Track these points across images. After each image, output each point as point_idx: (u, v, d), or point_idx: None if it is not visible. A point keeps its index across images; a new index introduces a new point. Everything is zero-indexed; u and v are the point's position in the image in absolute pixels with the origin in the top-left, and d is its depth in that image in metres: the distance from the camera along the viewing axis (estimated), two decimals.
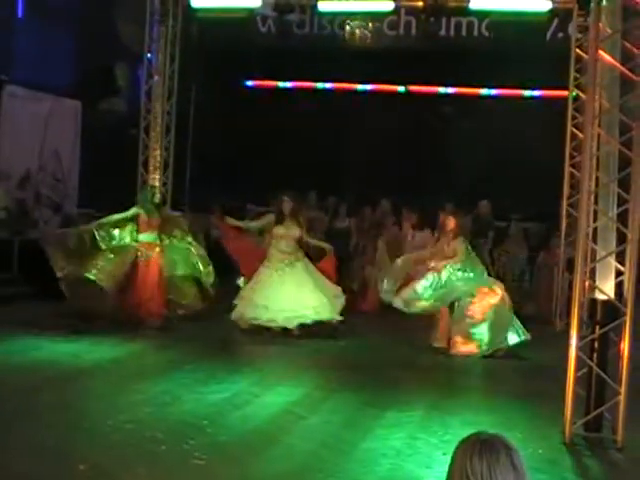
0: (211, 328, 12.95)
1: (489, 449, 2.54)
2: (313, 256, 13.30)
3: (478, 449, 2.55)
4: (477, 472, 2.51)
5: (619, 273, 7.76)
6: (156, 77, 14.95)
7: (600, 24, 7.85)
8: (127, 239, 13.09)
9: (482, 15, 17.71)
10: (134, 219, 13.16)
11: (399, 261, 12.72)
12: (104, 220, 13.16)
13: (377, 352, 12.00)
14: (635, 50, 7.77)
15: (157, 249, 12.98)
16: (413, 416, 8.39)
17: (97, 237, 12.85)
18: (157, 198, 13.51)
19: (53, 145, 17.51)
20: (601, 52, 7.85)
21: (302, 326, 12.50)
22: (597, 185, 8.05)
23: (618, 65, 7.86)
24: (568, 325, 8.10)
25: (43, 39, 17.41)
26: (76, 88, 18.40)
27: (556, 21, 17.25)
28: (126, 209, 15.28)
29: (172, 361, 10.49)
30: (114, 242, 12.94)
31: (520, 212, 17.38)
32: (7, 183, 16.42)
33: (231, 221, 13.61)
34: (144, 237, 12.99)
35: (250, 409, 8.39)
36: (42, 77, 17.03)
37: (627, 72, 7.80)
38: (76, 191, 18.22)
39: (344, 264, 14.94)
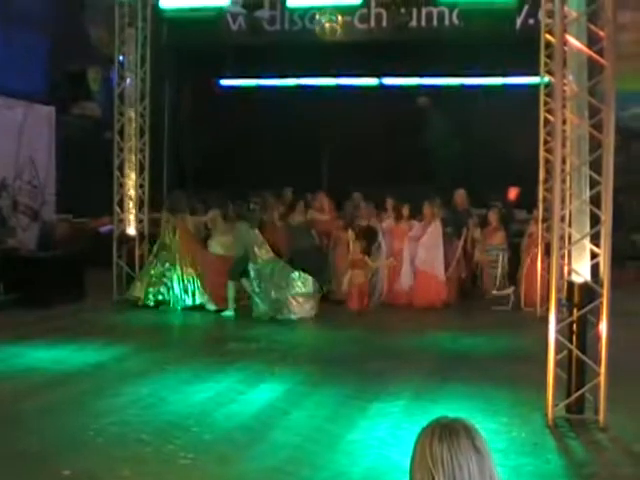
0: (191, 330, 13.02)
1: (449, 433, 2.46)
2: None
3: (438, 434, 2.47)
4: (437, 457, 2.42)
5: (594, 255, 7.81)
6: (128, 79, 14.90)
7: (566, 7, 7.89)
8: None
9: (452, 4, 17.78)
10: None
11: None
12: None
13: (359, 344, 12.00)
14: (601, 33, 7.80)
15: None
16: (397, 406, 8.43)
17: None
18: None
19: (28, 152, 17.40)
20: (568, 36, 7.89)
21: None
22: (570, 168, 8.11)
23: (585, 49, 7.89)
24: (548, 309, 8.14)
25: (12, 45, 17.29)
26: (49, 94, 18.32)
27: (526, 7, 17.35)
28: (104, 214, 15.41)
29: (155, 363, 10.46)
30: None
31: (500, 199, 17.46)
32: None
33: None
34: None
35: (234, 407, 8.42)
36: (14, 84, 16.91)
37: (595, 55, 7.83)
38: (54, 197, 18.12)
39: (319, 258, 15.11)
